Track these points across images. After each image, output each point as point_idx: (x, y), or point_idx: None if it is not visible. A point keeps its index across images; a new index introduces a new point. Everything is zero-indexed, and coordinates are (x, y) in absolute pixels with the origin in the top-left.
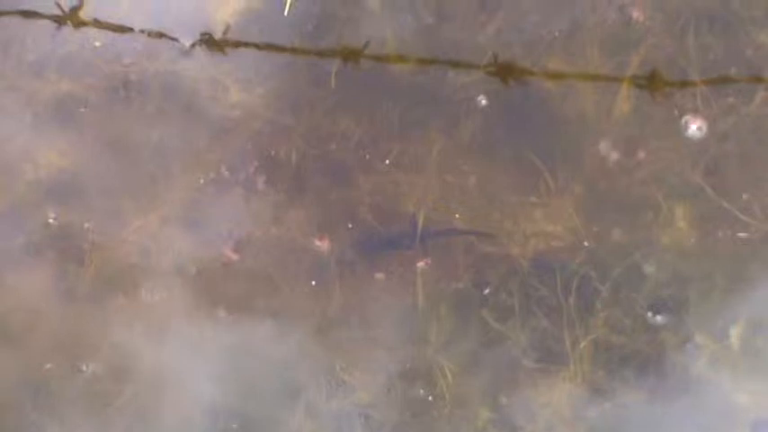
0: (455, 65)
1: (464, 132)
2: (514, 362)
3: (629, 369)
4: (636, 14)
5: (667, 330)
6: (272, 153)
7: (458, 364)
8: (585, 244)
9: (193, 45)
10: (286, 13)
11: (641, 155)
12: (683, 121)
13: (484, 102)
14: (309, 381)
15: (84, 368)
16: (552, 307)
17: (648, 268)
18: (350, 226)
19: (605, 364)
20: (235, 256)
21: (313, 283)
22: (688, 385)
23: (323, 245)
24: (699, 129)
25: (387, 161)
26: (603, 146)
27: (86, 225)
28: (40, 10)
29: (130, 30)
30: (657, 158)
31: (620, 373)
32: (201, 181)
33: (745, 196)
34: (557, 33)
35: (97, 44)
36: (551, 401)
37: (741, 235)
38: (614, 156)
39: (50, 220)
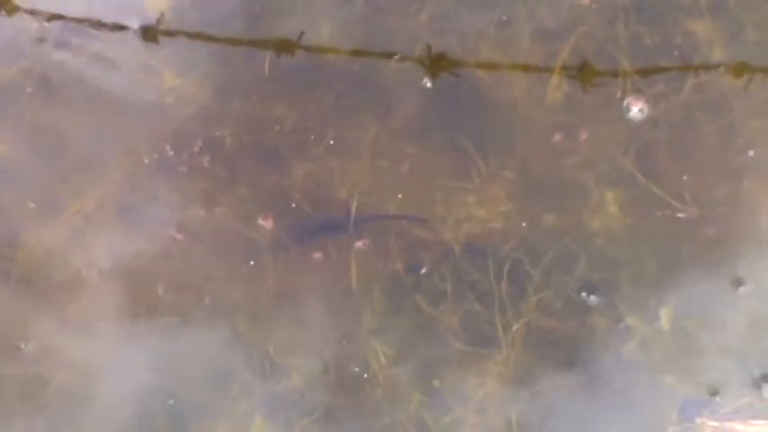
0: (389, 55)
1: (398, 119)
2: (447, 345)
3: (561, 352)
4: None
5: (598, 313)
6: (207, 139)
7: (391, 347)
8: (523, 225)
9: (129, 32)
10: None
11: (575, 141)
12: (625, 103)
13: (419, 88)
14: (244, 362)
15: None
16: (484, 291)
17: (579, 252)
18: (283, 212)
19: (537, 348)
20: (179, 236)
21: (252, 263)
22: (618, 367)
23: (266, 224)
24: (640, 111)
25: (321, 147)
26: (536, 132)
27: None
28: None
29: (65, 17)
30: (591, 145)
31: (552, 357)
32: (142, 162)
33: (676, 181)
34: (489, 22)
35: (32, 31)
36: (483, 384)
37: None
38: (546, 141)
39: None
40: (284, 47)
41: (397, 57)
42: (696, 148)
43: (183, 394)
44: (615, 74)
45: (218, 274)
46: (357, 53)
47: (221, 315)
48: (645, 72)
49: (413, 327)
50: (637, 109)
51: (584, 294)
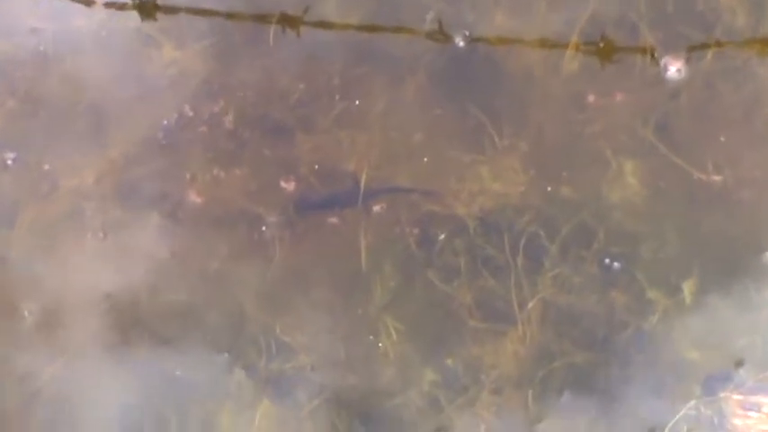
0: (398, 29)
1: (409, 88)
2: (460, 323)
3: (579, 329)
4: None
5: (618, 288)
6: (211, 111)
7: (403, 323)
8: (549, 188)
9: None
10: None
11: (588, 110)
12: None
13: (429, 59)
14: (248, 342)
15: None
16: (499, 267)
17: (597, 226)
18: (291, 188)
19: (554, 325)
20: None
21: (257, 237)
22: (639, 344)
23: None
24: (678, 71)
25: (329, 119)
26: (551, 100)
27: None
28: None
29: None
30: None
31: (570, 334)
32: (163, 123)
33: (697, 150)
34: None
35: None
36: (498, 363)
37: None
38: (563, 110)
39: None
40: (289, 22)
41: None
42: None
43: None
44: (635, 41)
45: (222, 251)
46: (366, 27)
47: (225, 296)
48: (665, 39)
49: (425, 303)
50: (675, 69)
51: (603, 268)
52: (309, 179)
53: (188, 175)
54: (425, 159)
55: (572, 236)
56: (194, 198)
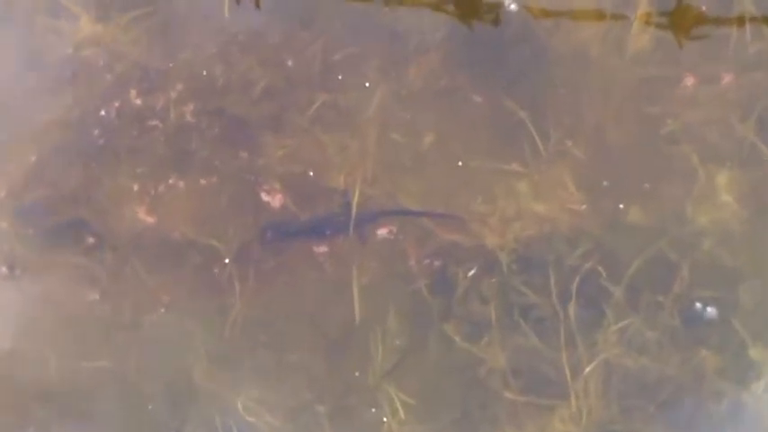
0: None
1: (416, 74)
2: (492, 394)
3: (655, 402)
4: None
5: (709, 345)
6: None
7: (413, 395)
8: (611, 210)
9: None
10: None
11: (664, 101)
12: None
13: (443, 34)
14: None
15: None
16: (544, 317)
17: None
18: (254, 209)
19: (620, 397)
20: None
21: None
22: (738, 421)
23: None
24: None
25: (307, 115)
26: (614, 89)
27: None
28: None
29: None
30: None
31: (642, 409)
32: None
33: None
34: None
35: None
36: None
37: None
38: (629, 103)
39: None
40: None
41: None
42: None
43: None
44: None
45: (163, 297)
46: None
47: (167, 360)
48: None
49: (443, 368)
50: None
51: (686, 320)
52: (281, 197)
53: (106, 196)
54: (439, 170)
55: (644, 274)
56: (117, 225)
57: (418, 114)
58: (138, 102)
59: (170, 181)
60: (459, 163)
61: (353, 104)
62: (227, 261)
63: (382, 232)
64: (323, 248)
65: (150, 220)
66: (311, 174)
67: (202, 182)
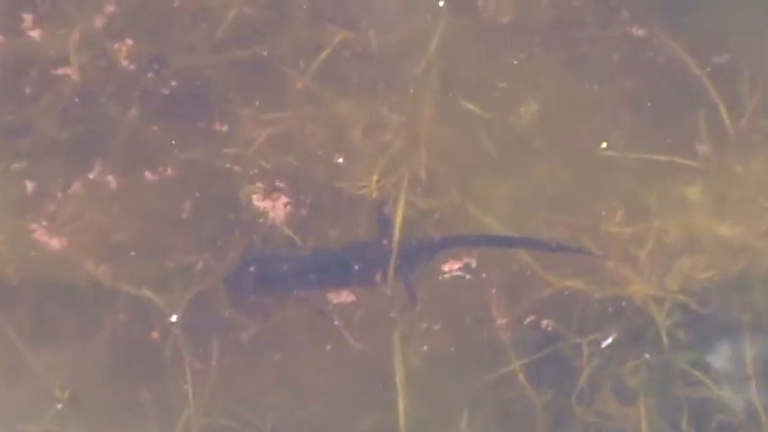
0: None
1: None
2: None
3: None
4: None
5: None
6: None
7: None
8: None
9: None
10: None
11: None
12: None
13: None
14: None
15: None
16: (732, 425)
17: None
18: (235, 228)
19: None
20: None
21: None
22: None
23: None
24: None
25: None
26: None
27: None
28: None
29: None
30: None
31: None
32: None
33: None
34: None
35: None
36: None
37: None
38: None
39: None
40: None
41: None
42: None
43: None
44: None
45: (61, 393)
46: None
47: None
48: None
49: None
50: None
51: None
52: (268, 215)
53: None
54: (546, 166)
55: None
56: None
57: (509, 69)
58: (34, 34)
59: (89, 176)
60: (588, 151)
61: (395, 48)
62: (173, 320)
63: (450, 270)
64: (344, 299)
65: (53, 244)
66: (319, 172)
67: (148, 176)
